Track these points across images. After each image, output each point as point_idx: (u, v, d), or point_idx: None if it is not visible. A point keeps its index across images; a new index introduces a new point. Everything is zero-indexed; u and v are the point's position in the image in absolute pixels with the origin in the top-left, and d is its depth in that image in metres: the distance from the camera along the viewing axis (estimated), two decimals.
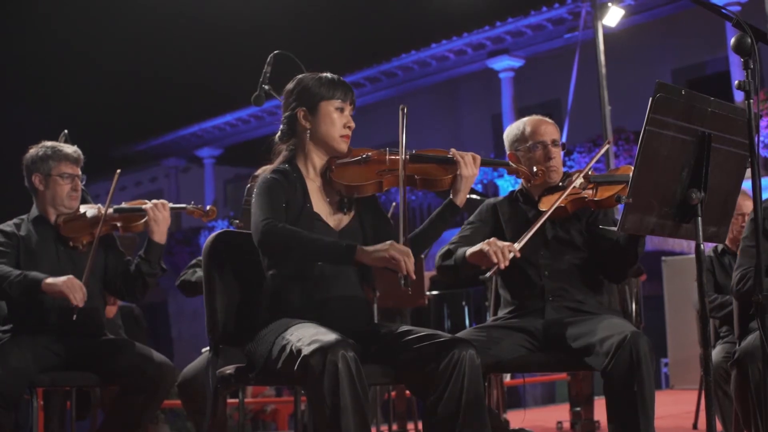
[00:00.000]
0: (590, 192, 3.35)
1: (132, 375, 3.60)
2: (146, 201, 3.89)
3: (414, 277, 2.75)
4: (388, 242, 2.78)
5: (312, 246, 2.81)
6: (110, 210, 3.81)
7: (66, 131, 4.11)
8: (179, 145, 23.52)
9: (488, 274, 3.20)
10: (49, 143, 3.89)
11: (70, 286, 3.54)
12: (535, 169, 3.37)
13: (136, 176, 24.69)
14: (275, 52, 4.14)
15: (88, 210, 3.90)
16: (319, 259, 2.89)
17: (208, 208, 4.02)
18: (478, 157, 3.08)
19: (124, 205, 3.89)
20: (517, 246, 3.14)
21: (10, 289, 3.58)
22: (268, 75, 4.13)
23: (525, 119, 3.63)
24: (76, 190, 3.86)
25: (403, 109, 2.97)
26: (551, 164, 3.49)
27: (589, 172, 3.42)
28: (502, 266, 3.08)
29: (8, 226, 3.85)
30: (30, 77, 23.30)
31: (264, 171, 3.09)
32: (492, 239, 3.17)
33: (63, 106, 21.09)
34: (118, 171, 3.85)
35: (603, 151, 3.61)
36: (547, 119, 3.63)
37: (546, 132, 3.54)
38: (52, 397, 4.58)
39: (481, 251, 3.17)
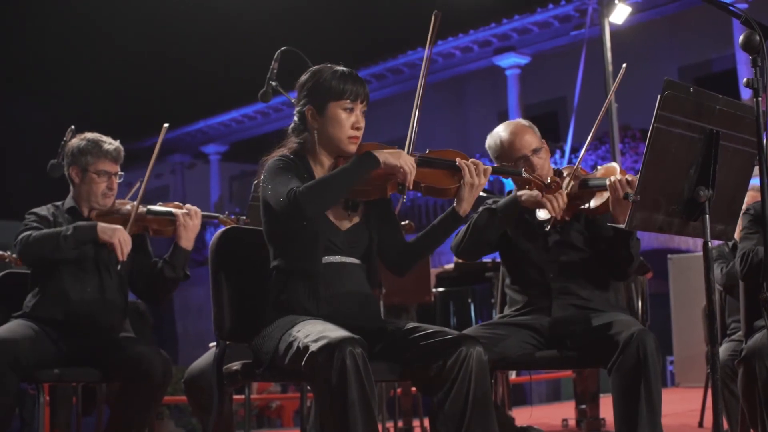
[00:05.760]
0: (587, 203, 3.33)
1: (128, 371, 3.56)
2: (180, 204, 3.85)
3: (411, 187, 2.85)
4: (397, 150, 2.85)
5: (339, 181, 2.80)
6: (143, 209, 3.76)
7: (72, 127, 4.11)
8: (185, 142, 23.51)
9: (548, 228, 3.28)
10: (91, 135, 3.83)
11: (122, 239, 3.58)
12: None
13: (142, 173, 24.62)
14: (282, 48, 4.14)
15: (123, 206, 3.84)
16: (352, 182, 2.83)
17: (243, 220, 4.01)
18: (488, 169, 2.98)
19: (158, 206, 3.83)
20: (565, 191, 3.21)
21: (65, 242, 3.56)
22: (275, 71, 4.13)
23: (500, 129, 3.57)
24: (111, 188, 3.81)
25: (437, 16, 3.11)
26: (537, 174, 3.32)
27: (579, 170, 3.38)
28: (559, 217, 3.19)
29: (43, 209, 3.81)
30: (37, 74, 23.34)
31: (272, 156, 3.02)
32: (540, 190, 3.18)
33: (69, 102, 21.12)
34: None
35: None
36: (522, 124, 3.57)
37: (523, 145, 3.48)
38: (58, 392, 4.58)
39: (537, 201, 3.22)
